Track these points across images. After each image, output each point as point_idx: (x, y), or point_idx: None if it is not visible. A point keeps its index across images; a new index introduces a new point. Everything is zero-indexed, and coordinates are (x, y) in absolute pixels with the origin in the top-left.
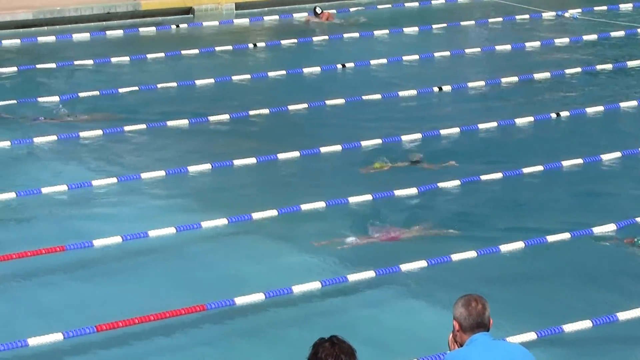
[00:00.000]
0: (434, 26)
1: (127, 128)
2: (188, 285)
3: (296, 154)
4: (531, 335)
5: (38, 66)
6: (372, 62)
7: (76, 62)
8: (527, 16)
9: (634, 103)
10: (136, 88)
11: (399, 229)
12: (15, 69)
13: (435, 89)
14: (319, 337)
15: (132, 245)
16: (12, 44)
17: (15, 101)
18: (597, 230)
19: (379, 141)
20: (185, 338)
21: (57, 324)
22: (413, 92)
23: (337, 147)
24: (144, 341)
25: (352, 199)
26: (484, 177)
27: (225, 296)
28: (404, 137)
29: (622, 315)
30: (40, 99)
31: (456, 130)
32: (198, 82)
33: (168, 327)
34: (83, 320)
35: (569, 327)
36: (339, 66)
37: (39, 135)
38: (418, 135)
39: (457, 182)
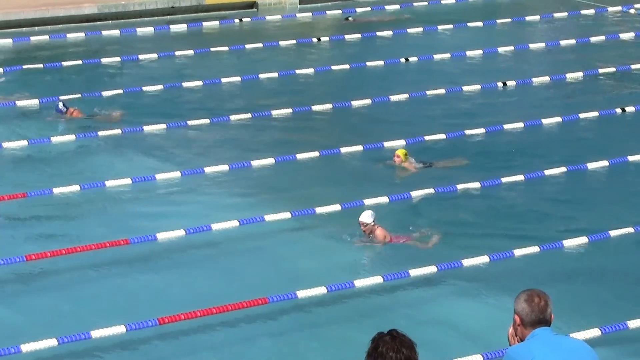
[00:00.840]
0: (499, 21)
1: (190, 122)
2: (250, 279)
3: (359, 148)
4: (595, 332)
5: (102, 60)
6: (436, 56)
7: (140, 56)
8: (592, 11)
9: None
10: (200, 82)
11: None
12: (80, 62)
13: (500, 84)
14: (378, 332)
15: (195, 239)
16: (76, 38)
17: (79, 95)
18: None
19: (442, 136)
20: (247, 331)
21: (120, 317)
22: (477, 87)
23: (401, 142)
24: (206, 334)
25: (415, 193)
26: (547, 172)
27: (287, 290)
28: (468, 132)
29: None
30: (104, 93)
31: (520, 125)
32: (262, 76)
33: (230, 320)
34: (145, 313)
35: (633, 324)
36: (402, 60)
37: (103, 129)
38: (482, 130)
39: (521, 177)
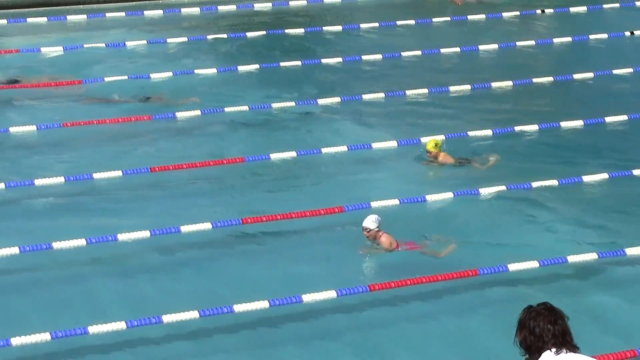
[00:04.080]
0: None
1: (408, 92)
2: (461, 250)
3: (580, 123)
4: None
5: (324, 28)
6: None
7: (362, 25)
8: None
9: None
10: (419, 52)
11: None
12: (302, 30)
13: None
14: (528, 305)
15: (409, 208)
16: (299, 5)
17: (299, 62)
18: None
19: None
20: (456, 302)
21: (332, 282)
22: None
23: (623, 117)
24: (416, 302)
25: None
26: None
27: (498, 262)
28: None
29: None
30: (323, 61)
31: None
32: (482, 48)
33: (439, 290)
34: (357, 280)
35: None
36: (627, 34)
37: (321, 97)
38: None
39: None
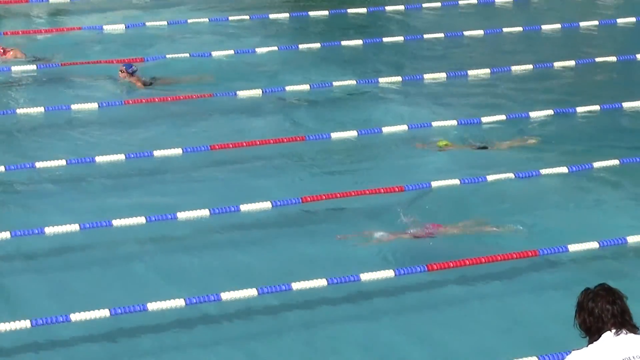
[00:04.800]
0: None
1: (470, 72)
2: (522, 231)
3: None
4: None
5: (387, 8)
6: None
7: (424, 5)
8: None
9: None
10: (481, 32)
11: None
12: (364, 10)
13: None
14: (586, 287)
15: (468, 189)
16: None
17: (360, 41)
18: None
19: None
20: (517, 282)
21: (389, 262)
22: None
23: None
24: (474, 282)
25: None
26: None
27: (558, 243)
28: None
29: None
30: (385, 40)
31: None
32: (544, 27)
33: (498, 271)
34: (414, 259)
35: None
36: None
37: (383, 77)
38: None
39: None
